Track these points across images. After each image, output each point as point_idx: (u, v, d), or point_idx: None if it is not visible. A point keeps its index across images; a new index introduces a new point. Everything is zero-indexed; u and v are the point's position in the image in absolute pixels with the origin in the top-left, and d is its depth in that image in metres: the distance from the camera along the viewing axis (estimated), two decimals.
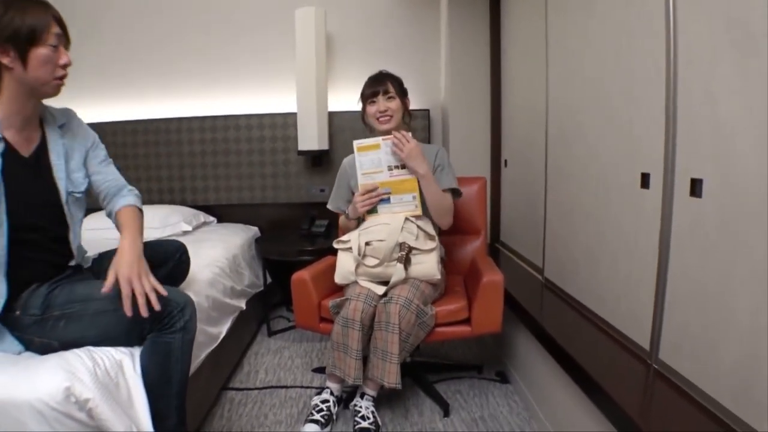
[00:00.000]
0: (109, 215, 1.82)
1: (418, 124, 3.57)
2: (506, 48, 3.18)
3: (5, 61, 1.43)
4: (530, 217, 2.70)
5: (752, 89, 1.14)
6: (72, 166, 1.68)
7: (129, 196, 1.81)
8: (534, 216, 2.61)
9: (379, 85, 2.33)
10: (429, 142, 3.61)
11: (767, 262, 1.10)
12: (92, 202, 1.80)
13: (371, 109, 2.34)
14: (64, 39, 1.52)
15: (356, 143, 2.20)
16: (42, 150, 1.61)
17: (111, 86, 3.73)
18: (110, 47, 3.70)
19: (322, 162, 3.61)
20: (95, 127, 3.38)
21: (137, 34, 3.70)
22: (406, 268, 2.13)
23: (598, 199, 1.90)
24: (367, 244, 2.18)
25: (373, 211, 2.25)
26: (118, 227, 1.71)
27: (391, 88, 2.33)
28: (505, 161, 3.25)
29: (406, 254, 2.13)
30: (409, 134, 2.18)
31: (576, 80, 2.08)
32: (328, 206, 2.53)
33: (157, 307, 1.45)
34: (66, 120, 1.71)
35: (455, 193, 2.36)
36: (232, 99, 3.73)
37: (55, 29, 1.48)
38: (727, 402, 1.23)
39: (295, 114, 3.47)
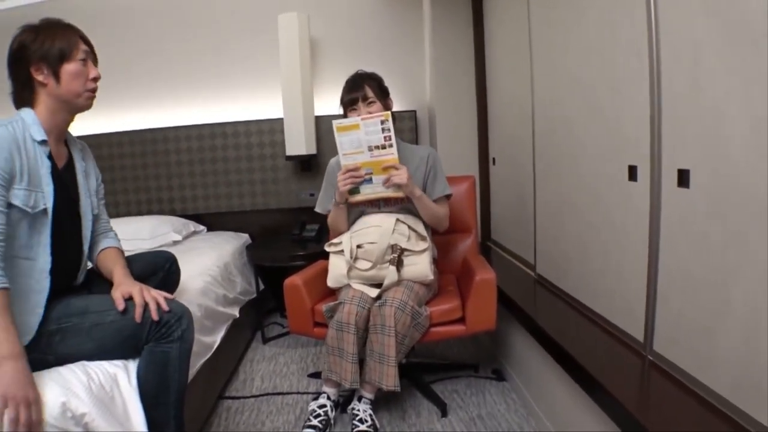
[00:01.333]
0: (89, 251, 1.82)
1: (405, 126, 3.57)
2: (490, 46, 3.20)
3: (39, 77, 1.52)
4: (520, 214, 2.71)
5: (736, 77, 1.15)
6: (90, 190, 1.76)
7: (115, 239, 1.89)
8: (524, 213, 2.62)
9: (357, 90, 2.27)
10: (416, 143, 3.61)
11: (758, 250, 1.11)
12: None
13: (352, 116, 2.25)
14: (92, 55, 1.65)
15: (335, 123, 2.12)
16: (70, 167, 1.69)
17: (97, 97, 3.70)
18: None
19: (310, 166, 3.61)
20: (80, 140, 3.35)
21: (120, 46, 3.67)
22: (398, 270, 2.13)
23: (587, 194, 1.91)
24: (358, 246, 2.18)
25: (355, 191, 2.21)
26: (102, 264, 1.78)
27: (370, 92, 2.26)
28: (493, 159, 3.26)
29: (398, 256, 2.13)
30: (404, 169, 2.12)
31: (561, 75, 2.09)
32: (316, 209, 2.49)
33: (165, 308, 1.56)
34: (82, 147, 1.80)
35: (447, 196, 2.38)
36: (218, 107, 3.72)
37: (83, 47, 1.60)
38: (724, 391, 1.24)
39: (281, 119, 3.46)
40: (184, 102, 3.73)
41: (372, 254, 2.15)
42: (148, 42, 3.68)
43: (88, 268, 1.86)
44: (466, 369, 2.63)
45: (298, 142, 3.35)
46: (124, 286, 1.60)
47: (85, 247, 1.72)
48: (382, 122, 2.07)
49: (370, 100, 2.26)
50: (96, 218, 1.80)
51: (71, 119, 1.66)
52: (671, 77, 1.39)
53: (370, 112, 2.21)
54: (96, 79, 1.64)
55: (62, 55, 1.54)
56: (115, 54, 3.67)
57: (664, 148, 1.43)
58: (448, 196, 2.38)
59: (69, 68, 1.55)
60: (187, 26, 3.67)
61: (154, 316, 1.52)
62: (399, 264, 2.14)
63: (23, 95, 1.56)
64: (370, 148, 2.12)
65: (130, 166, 3.68)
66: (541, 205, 2.40)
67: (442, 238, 2.65)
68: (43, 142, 1.53)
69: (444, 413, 2.22)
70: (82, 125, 3.63)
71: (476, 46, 3.33)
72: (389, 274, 2.12)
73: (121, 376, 1.49)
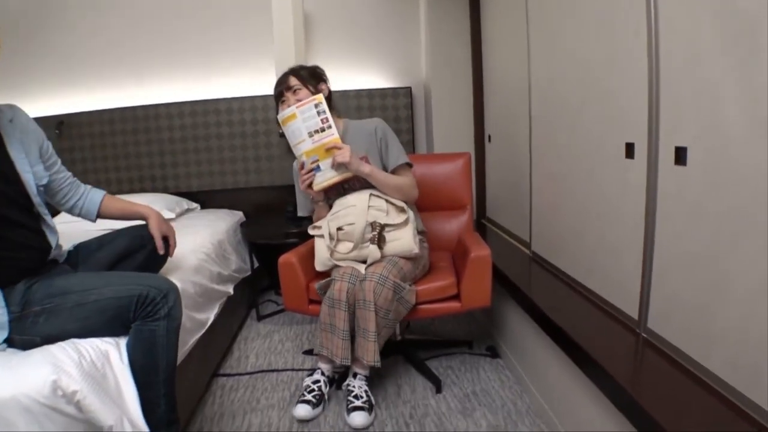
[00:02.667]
0: (71, 210, 1.87)
1: (400, 102, 3.54)
2: (487, 21, 3.15)
3: None
4: (516, 192, 2.69)
5: (734, 55, 1.13)
6: (32, 160, 1.64)
7: (96, 189, 1.91)
8: (520, 190, 2.61)
9: (280, 84, 2.28)
10: (412, 121, 3.58)
11: (754, 229, 1.10)
12: None
13: (283, 108, 2.24)
14: None
15: (280, 116, 2.15)
16: None
17: (85, 75, 3.64)
18: (83, 35, 3.60)
19: None
20: (70, 117, 3.33)
21: (111, 21, 3.60)
22: (380, 247, 2.12)
23: (584, 171, 1.89)
24: (339, 229, 2.17)
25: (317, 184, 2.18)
26: (108, 214, 1.90)
27: (294, 81, 2.25)
28: (489, 136, 3.24)
29: (378, 233, 2.12)
30: (346, 148, 2.11)
31: (558, 52, 2.06)
32: (299, 214, 2.48)
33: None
34: (13, 115, 1.64)
35: (408, 165, 2.32)
36: (210, 83, 3.66)
37: None
38: (718, 369, 1.24)
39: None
40: (178, 78, 3.67)
41: (352, 235, 2.13)
42: (141, 18, 3.61)
43: (77, 243, 1.84)
44: (461, 346, 2.63)
45: None
46: (163, 226, 1.84)
47: (47, 221, 1.66)
48: (316, 105, 2.08)
49: (295, 87, 2.25)
50: (51, 187, 1.74)
51: None
52: (670, 54, 1.37)
53: (298, 100, 2.19)
54: None
55: None
56: (108, 30, 3.61)
57: (661, 125, 1.42)
58: (408, 165, 2.32)
59: None
60: (181, 1, 3.60)
61: (162, 250, 1.81)
62: (381, 241, 2.12)
63: None
64: (310, 134, 2.11)
65: (122, 144, 3.64)
66: (536, 183, 2.39)
67: (437, 214, 2.64)
68: None
69: (438, 389, 2.23)
70: (73, 102, 3.60)
71: (473, 22, 3.28)
72: (371, 252, 2.11)
73: (112, 353, 1.48)
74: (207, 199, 3.71)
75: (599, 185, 1.78)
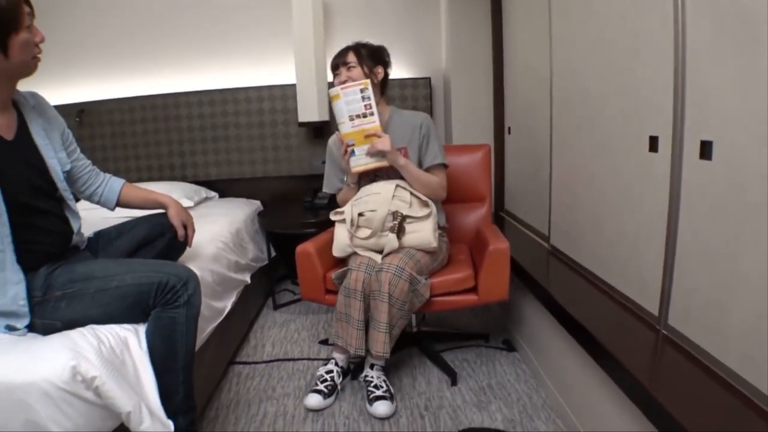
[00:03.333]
0: (90, 198, 1.88)
1: (420, 93, 3.52)
2: (508, 12, 3.11)
3: None
4: (535, 185, 2.66)
5: (763, 48, 1.10)
6: (56, 146, 1.66)
7: (115, 177, 1.93)
8: (539, 183, 2.58)
9: (341, 56, 2.28)
10: (431, 111, 3.56)
11: None
12: None
13: (336, 81, 2.27)
14: (33, 15, 1.46)
15: (330, 92, 2.15)
16: (23, 132, 1.57)
17: (106, 63, 3.67)
18: (104, 24, 3.63)
19: (323, 133, 3.57)
20: (91, 105, 3.37)
21: (132, 10, 3.62)
22: (399, 238, 2.11)
23: (605, 164, 1.87)
24: (360, 215, 2.16)
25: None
26: (128, 203, 1.92)
27: (352, 58, 2.25)
28: (509, 128, 3.21)
29: (399, 223, 2.11)
30: (385, 138, 2.12)
31: (580, 42, 2.03)
32: (324, 189, 2.49)
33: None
34: (36, 102, 1.66)
35: (444, 165, 2.33)
36: (230, 72, 3.67)
37: (26, 8, 1.42)
38: (736, 365, 1.22)
39: (294, 85, 3.42)
40: (197, 67, 3.68)
41: (372, 222, 2.13)
42: (162, 6, 3.62)
43: (98, 231, 1.86)
44: (477, 339, 2.62)
45: (311, 109, 3.31)
46: (182, 215, 1.87)
47: (72, 206, 1.67)
48: (362, 90, 2.08)
49: (351, 64, 2.24)
50: (71, 174, 1.75)
51: (15, 85, 1.54)
52: (697, 45, 1.33)
53: (350, 77, 2.21)
54: (41, 41, 1.48)
55: (9, 25, 1.37)
56: (129, 18, 3.63)
57: (687, 118, 1.39)
58: (444, 165, 2.33)
59: (18, 40, 1.39)
60: None
61: (181, 235, 1.85)
62: (400, 231, 2.12)
63: None
64: (351, 118, 2.12)
65: (141, 132, 3.67)
66: (556, 176, 2.36)
67: (455, 206, 2.62)
68: None
69: (454, 382, 2.22)
70: (94, 90, 3.63)
71: (493, 12, 3.24)
72: (389, 241, 2.11)
73: (131, 340, 1.50)
74: (225, 188, 3.73)
75: (621, 179, 1.76)
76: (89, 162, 1.87)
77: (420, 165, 2.29)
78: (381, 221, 2.11)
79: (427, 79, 3.56)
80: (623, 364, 1.39)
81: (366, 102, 2.09)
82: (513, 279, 2.21)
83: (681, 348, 1.43)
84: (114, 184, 1.91)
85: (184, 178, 3.69)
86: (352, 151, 2.16)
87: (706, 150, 1.31)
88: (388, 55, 2.37)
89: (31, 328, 1.47)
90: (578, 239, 2.14)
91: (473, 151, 2.66)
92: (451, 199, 2.45)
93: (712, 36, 1.27)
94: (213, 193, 3.64)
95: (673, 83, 1.42)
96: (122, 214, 2.09)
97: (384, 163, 2.17)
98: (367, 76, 2.22)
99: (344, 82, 2.20)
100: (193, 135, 3.67)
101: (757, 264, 1.14)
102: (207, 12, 3.62)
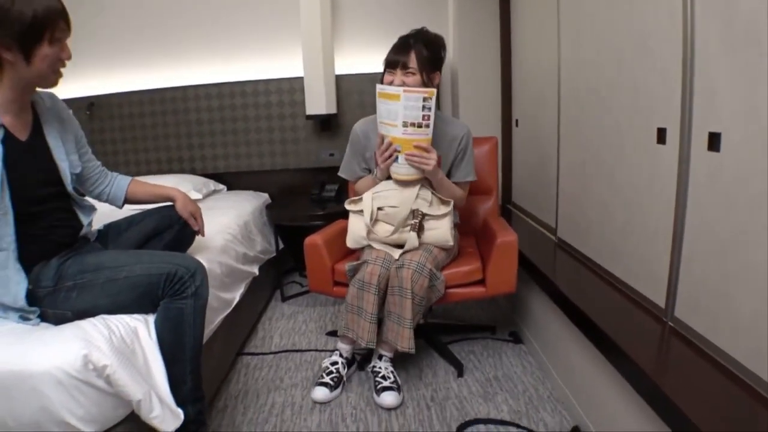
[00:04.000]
0: (98, 197, 1.91)
1: None
2: (516, 4, 3.10)
3: (8, 56, 1.39)
4: (542, 177, 2.66)
5: None
6: (68, 148, 1.68)
7: (123, 175, 1.96)
8: (546, 176, 2.58)
9: (401, 54, 2.09)
10: (438, 103, 3.54)
11: None
12: None
13: (388, 78, 2.13)
14: (68, 31, 1.48)
15: (379, 88, 2.02)
16: (38, 133, 1.59)
17: (115, 57, 3.68)
18: (113, 17, 3.63)
19: (330, 126, 3.57)
20: (100, 98, 3.39)
21: (142, 3, 3.62)
22: (419, 236, 2.12)
23: (613, 157, 1.86)
24: (379, 209, 2.15)
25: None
26: (135, 199, 1.94)
27: (413, 62, 2.07)
28: (516, 121, 3.20)
29: (419, 222, 2.12)
30: (433, 155, 2.04)
31: (588, 34, 2.02)
32: (340, 173, 2.41)
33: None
34: (52, 104, 1.68)
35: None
36: (237, 65, 3.67)
37: (62, 25, 1.44)
38: (744, 358, 1.22)
39: (301, 78, 3.41)
40: (205, 60, 3.68)
41: (393, 218, 2.13)
42: (170, 1, 3.63)
43: (107, 223, 1.88)
44: (483, 331, 2.63)
45: (318, 101, 3.31)
46: (190, 206, 1.89)
47: (79, 202, 1.70)
48: (425, 99, 1.93)
49: (410, 69, 2.08)
50: (81, 175, 1.78)
51: (33, 91, 1.56)
52: (706, 36, 1.33)
53: (404, 82, 2.07)
54: (68, 59, 1.50)
55: (38, 34, 1.39)
56: (137, 12, 3.63)
57: (695, 110, 1.38)
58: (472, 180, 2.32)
59: (42, 52, 1.41)
60: None
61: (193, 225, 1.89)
62: (420, 229, 2.13)
63: None
64: (405, 124, 1.97)
65: (150, 125, 3.68)
66: (564, 169, 2.36)
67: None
68: None
69: (460, 373, 2.23)
70: (103, 83, 3.64)
71: (502, 4, 3.23)
72: (410, 239, 2.11)
73: (141, 330, 1.52)
74: (233, 181, 3.74)
75: (629, 171, 1.76)
76: (99, 163, 1.90)
77: (448, 175, 2.27)
78: (403, 219, 2.10)
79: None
80: (630, 356, 1.39)
81: (426, 112, 1.95)
82: (520, 271, 2.21)
83: (688, 340, 1.43)
84: (121, 182, 1.93)
85: (192, 171, 3.70)
86: (396, 157, 2.05)
87: (714, 142, 1.31)
88: (445, 52, 2.23)
89: (42, 317, 1.49)
90: (585, 231, 2.14)
91: (481, 143, 2.66)
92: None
93: (720, 28, 1.27)
94: (221, 186, 3.66)
95: (682, 75, 1.41)
96: (132, 207, 2.10)
97: (420, 176, 2.10)
98: (425, 85, 2.10)
99: (391, 83, 2.10)
100: (202, 128, 3.68)
101: (764, 256, 1.14)
102: (215, 5, 3.61)
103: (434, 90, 1.96)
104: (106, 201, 1.94)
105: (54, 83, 1.53)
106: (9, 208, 1.45)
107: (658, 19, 1.52)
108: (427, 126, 1.98)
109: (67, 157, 1.65)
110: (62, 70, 1.52)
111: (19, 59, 1.40)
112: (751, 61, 1.16)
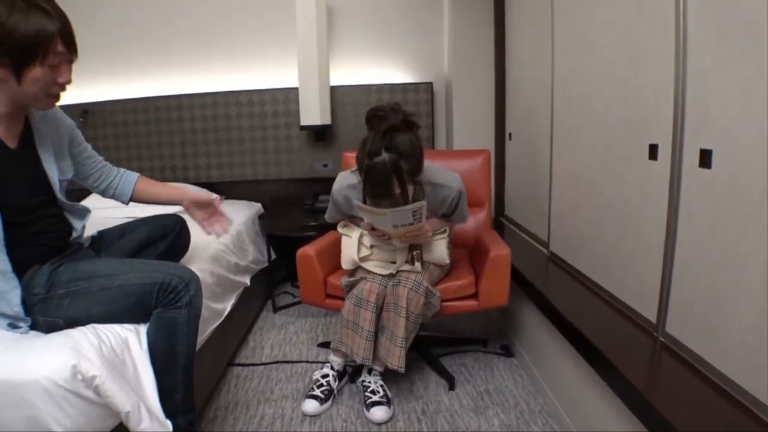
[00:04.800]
0: (104, 192, 1.89)
1: (421, 98, 3.53)
2: (511, 18, 3.13)
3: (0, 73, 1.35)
4: (535, 191, 2.68)
5: (764, 58, 1.11)
6: (59, 155, 1.66)
7: (130, 173, 1.92)
8: (539, 189, 2.59)
9: (382, 194, 1.89)
10: (432, 116, 3.57)
11: None
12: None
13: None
14: (68, 55, 1.42)
15: (357, 204, 1.94)
16: (27, 140, 1.57)
17: (109, 65, 3.68)
18: (107, 25, 3.63)
19: (325, 136, 3.58)
20: (94, 106, 3.38)
21: (135, 11, 3.63)
22: (413, 264, 2.13)
23: (605, 172, 1.88)
24: (372, 246, 2.19)
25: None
26: (142, 198, 1.92)
27: (397, 190, 1.87)
28: (510, 134, 3.22)
29: (419, 254, 2.14)
30: (427, 231, 2.03)
31: (582, 50, 2.04)
32: (327, 219, 2.35)
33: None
34: (45, 111, 1.63)
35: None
36: (232, 75, 3.68)
37: (60, 47, 1.37)
38: (735, 375, 1.23)
39: (296, 89, 3.43)
40: (199, 70, 3.69)
41: (387, 258, 2.17)
42: (165, 9, 3.63)
43: (101, 230, 1.87)
44: (475, 344, 2.63)
45: (313, 112, 3.32)
46: (185, 201, 1.87)
47: (68, 208, 1.66)
48: (414, 212, 1.87)
49: (397, 195, 1.90)
50: (82, 173, 1.77)
51: (25, 109, 1.53)
52: (698, 54, 1.34)
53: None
54: (65, 84, 1.45)
55: (31, 55, 1.33)
56: (132, 21, 3.64)
57: (687, 127, 1.40)
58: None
59: (34, 73, 1.36)
60: None
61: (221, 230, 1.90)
62: (417, 260, 2.14)
63: None
64: (395, 226, 1.92)
65: (144, 133, 3.68)
66: (556, 182, 2.37)
67: None
68: None
69: (452, 387, 2.23)
70: (97, 91, 3.64)
71: (497, 18, 3.26)
72: (413, 268, 2.11)
73: (132, 340, 1.50)
74: (226, 190, 3.73)
75: (621, 186, 1.77)
76: (101, 159, 1.88)
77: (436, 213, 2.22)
78: (402, 260, 2.13)
79: (429, 84, 3.56)
80: (620, 371, 1.40)
81: (416, 216, 1.88)
82: (512, 285, 2.22)
83: (678, 355, 1.44)
84: (129, 177, 1.92)
85: (186, 180, 3.69)
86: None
87: (705, 158, 1.32)
88: (420, 141, 1.98)
89: (33, 325, 1.48)
90: (577, 246, 2.15)
91: (473, 156, 2.67)
92: None
93: (713, 45, 1.28)
94: (214, 195, 3.64)
95: (674, 92, 1.43)
96: (125, 215, 2.10)
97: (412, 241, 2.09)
98: (411, 196, 1.99)
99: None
100: (196, 137, 3.67)
101: (756, 273, 1.15)
102: (211, 15, 3.63)
103: (424, 203, 1.87)
104: (112, 196, 1.91)
105: (48, 106, 1.50)
106: None
107: (651, 36, 1.54)
108: (419, 221, 1.92)
109: (57, 164, 1.63)
110: (61, 95, 1.49)
111: (10, 77, 1.36)
112: (744, 78, 1.18)
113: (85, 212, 1.75)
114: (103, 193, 1.90)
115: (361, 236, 2.19)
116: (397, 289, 2.01)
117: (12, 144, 1.52)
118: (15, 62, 1.34)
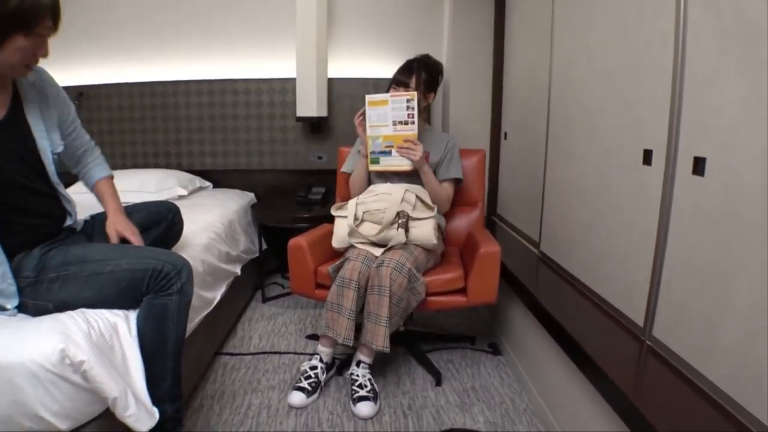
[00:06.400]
0: (78, 176, 1.89)
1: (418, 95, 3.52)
2: (510, 20, 3.13)
3: None
4: (528, 191, 2.68)
5: (759, 71, 1.12)
6: (49, 126, 1.63)
7: (102, 166, 1.90)
8: (532, 190, 2.60)
9: (405, 76, 2.42)
10: (428, 116, 3.56)
11: (766, 244, 1.10)
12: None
13: (391, 92, 2.41)
14: (52, 30, 1.42)
15: (368, 97, 2.33)
16: (16, 109, 1.54)
17: (106, 48, 3.65)
18: (105, 7, 3.61)
19: (320, 129, 3.57)
20: (90, 89, 3.34)
21: None
22: (401, 228, 2.18)
23: (599, 175, 1.89)
24: (365, 212, 2.24)
25: (375, 161, 2.36)
26: (98, 196, 1.86)
27: (413, 83, 2.39)
28: (505, 134, 3.23)
29: (405, 222, 2.17)
30: (420, 147, 2.27)
31: (581, 54, 2.05)
32: (343, 170, 2.60)
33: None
34: (36, 78, 1.61)
35: (458, 181, 2.48)
36: (230, 63, 3.66)
37: (47, 22, 1.38)
38: (720, 381, 1.24)
39: (294, 80, 3.42)
40: (197, 56, 3.67)
41: (379, 219, 2.20)
42: None
43: (93, 214, 1.85)
44: (463, 341, 2.64)
45: (310, 104, 3.31)
46: (118, 225, 1.72)
47: (60, 189, 1.65)
48: (408, 101, 2.28)
49: (410, 89, 2.38)
50: (65, 151, 1.72)
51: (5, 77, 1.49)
52: (696, 64, 1.35)
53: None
54: (42, 57, 1.44)
55: (19, 24, 1.32)
56: (129, 5, 3.61)
57: (681, 134, 1.41)
58: (457, 180, 2.47)
59: (18, 42, 1.35)
60: None
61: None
62: (405, 229, 2.18)
63: None
64: (394, 123, 2.31)
65: (138, 118, 3.66)
66: (550, 184, 2.38)
67: (448, 210, 2.63)
68: None
69: (438, 382, 2.24)
70: (92, 74, 3.61)
71: (496, 19, 3.26)
72: (396, 235, 2.16)
73: (121, 326, 1.50)
74: (219, 179, 3.73)
75: (614, 190, 1.78)
76: (87, 139, 1.86)
77: (437, 175, 2.42)
78: (389, 221, 2.18)
79: None
80: (606, 373, 1.41)
81: (410, 111, 2.28)
82: (501, 283, 2.23)
83: (664, 360, 1.45)
84: (94, 174, 1.87)
85: (179, 167, 3.68)
86: (389, 152, 2.33)
87: (699, 166, 1.33)
88: (442, 77, 2.56)
89: (21, 308, 1.47)
90: (568, 247, 2.16)
91: (468, 155, 2.68)
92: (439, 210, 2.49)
93: (712, 55, 1.29)
94: (207, 183, 3.64)
95: (670, 99, 1.44)
96: (132, 200, 2.07)
97: (410, 168, 2.32)
98: (420, 102, 2.36)
99: None
100: (190, 124, 3.66)
101: (747, 283, 1.16)
102: (211, 2, 3.61)
103: (415, 93, 2.30)
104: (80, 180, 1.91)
105: (22, 75, 1.48)
106: None
107: (650, 43, 1.55)
108: (413, 123, 2.29)
109: (47, 135, 1.60)
110: (34, 67, 1.47)
111: None
112: (742, 88, 1.19)
113: (70, 198, 1.72)
114: (77, 175, 1.89)
115: (355, 218, 2.25)
116: (380, 270, 2.03)
117: (0, 114, 1.49)
118: (2, 30, 1.32)
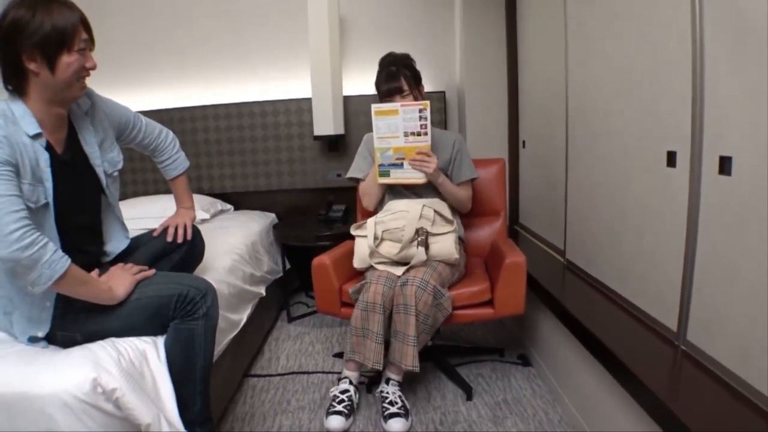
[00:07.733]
0: (151, 154, 2.13)
1: (434, 106, 3.52)
2: (523, 27, 3.12)
3: (32, 66, 1.39)
4: (550, 199, 2.66)
5: None
6: (106, 147, 1.71)
7: (174, 164, 2.16)
8: (554, 197, 2.58)
9: (393, 81, 2.31)
10: (445, 126, 3.57)
11: None
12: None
13: (388, 106, 2.26)
14: (90, 43, 1.51)
15: (374, 107, 2.22)
16: (73, 142, 1.60)
17: (124, 77, 3.71)
18: (122, 37, 3.68)
19: (338, 146, 3.59)
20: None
21: (148, 23, 3.68)
22: (421, 246, 2.15)
23: (622, 179, 1.86)
24: (384, 231, 2.22)
25: (385, 174, 2.27)
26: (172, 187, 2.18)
27: (406, 85, 2.31)
28: (524, 142, 3.21)
29: (425, 239, 2.14)
30: (434, 159, 2.19)
31: (597, 55, 2.03)
32: (350, 174, 2.54)
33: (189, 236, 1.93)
34: (90, 103, 1.70)
35: (473, 179, 2.44)
36: (246, 86, 3.71)
37: (83, 35, 1.46)
38: (758, 383, 1.21)
39: (309, 99, 3.44)
40: (213, 81, 3.72)
41: (399, 238, 2.17)
42: (177, 20, 3.67)
43: (131, 237, 1.88)
44: (492, 353, 2.61)
45: (326, 122, 3.33)
46: (177, 219, 1.94)
47: (116, 212, 1.76)
48: (420, 111, 2.16)
49: (406, 92, 2.31)
50: (144, 147, 2.02)
51: (65, 111, 1.57)
52: (715, 60, 1.33)
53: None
54: (91, 69, 1.52)
55: (61, 43, 1.40)
56: (144, 32, 3.68)
57: (705, 133, 1.38)
58: (473, 179, 2.44)
59: (66, 60, 1.42)
60: (216, 4, 3.65)
61: (171, 237, 1.88)
62: (426, 247, 2.15)
63: (12, 79, 1.43)
64: (405, 134, 2.19)
65: None
66: (572, 190, 2.35)
67: (470, 220, 2.62)
68: (37, 135, 1.43)
69: (469, 397, 2.21)
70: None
71: (508, 26, 3.26)
72: (417, 254, 2.13)
73: (150, 353, 1.51)
74: (240, 201, 3.75)
75: (638, 194, 1.75)
76: (156, 136, 2.10)
77: (450, 179, 2.39)
78: (409, 239, 2.15)
79: (442, 93, 3.57)
80: (641, 380, 1.38)
81: (423, 122, 2.17)
82: (528, 293, 2.20)
83: (700, 364, 1.42)
84: (168, 174, 2.18)
85: (200, 191, 3.71)
86: (401, 164, 2.23)
87: (725, 165, 1.30)
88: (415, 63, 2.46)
89: (51, 340, 1.49)
90: (595, 254, 2.13)
91: (488, 165, 2.67)
92: (466, 213, 2.46)
93: (730, 51, 1.27)
94: (228, 206, 3.67)
95: (691, 98, 1.42)
96: (139, 226, 2.11)
97: (422, 180, 2.23)
98: (416, 100, 2.31)
99: None
100: (210, 148, 3.70)
101: None
102: (224, 27, 3.66)
103: (428, 102, 2.17)
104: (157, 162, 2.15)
105: (78, 91, 1.53)
106: (52, 212, 1.46)
107: (667, 42, 1.53)
108: (426, 134, 2.18)
109: (103, 160, 1.69)
110: (86, 81, 1.55)
111: (43, 68, 1.40)
112: (761, 83, 1.16)
113: (123, 233, 1.80)
114: (151, 154, 2.13)
115: (375, 237, 2.22)
116: (404, 289, 2.01)
117: (59, 149, 1.55)
118: (46, 53, 1.39)
